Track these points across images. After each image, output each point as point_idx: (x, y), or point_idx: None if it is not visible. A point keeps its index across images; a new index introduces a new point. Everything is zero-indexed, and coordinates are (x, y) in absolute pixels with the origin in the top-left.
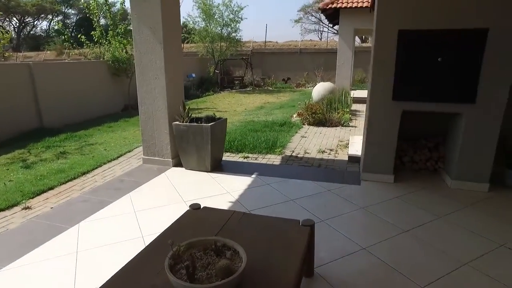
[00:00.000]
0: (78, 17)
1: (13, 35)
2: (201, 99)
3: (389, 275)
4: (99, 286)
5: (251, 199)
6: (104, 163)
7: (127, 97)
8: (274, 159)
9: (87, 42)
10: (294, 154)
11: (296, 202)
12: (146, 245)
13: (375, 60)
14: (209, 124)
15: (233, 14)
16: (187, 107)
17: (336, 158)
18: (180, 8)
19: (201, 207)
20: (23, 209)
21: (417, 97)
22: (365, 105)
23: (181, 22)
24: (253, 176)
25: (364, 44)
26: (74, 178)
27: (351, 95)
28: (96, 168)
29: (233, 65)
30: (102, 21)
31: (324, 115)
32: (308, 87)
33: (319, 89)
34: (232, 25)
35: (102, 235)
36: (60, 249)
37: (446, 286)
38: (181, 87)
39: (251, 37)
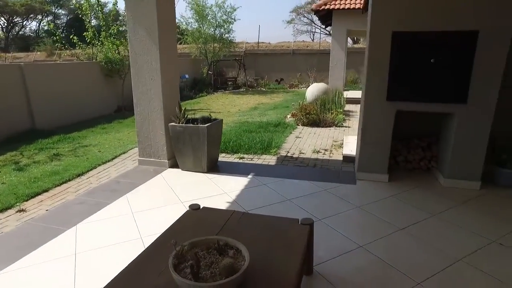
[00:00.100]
0: (68, 18)
1: (1, 36)
2: (194, 100)
3: (387, 272)
4: (102, 287)
5: (249, 199)
6: (99, 165)
7: (120, 98)
8: (269, 159)
9: (79, 43)
10: (289, 154)
11: (293, 201)
12: (146, 246)
13: (370, 61)
14: (206, 125)
15: (226, 15)
16: (183, 108)
17: (331, 158)
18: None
19: (201, 207)
20: (17, 211)
21: (410, 97)
22: (358, 105)
23: None
24: (250, 176)
25: (356, 45)
26: (69, 180)
27: (344, 96)
28: (91, 170)
29: (226, 66)
30: (94, 22)
31: (318, 116)
32: (301, 88)
33: (313, 90)
34: (225, 26)
35: (100, 236)
36: (58, 251)
37: (441, 282)
38: (177, 88)
39: (244, 38)
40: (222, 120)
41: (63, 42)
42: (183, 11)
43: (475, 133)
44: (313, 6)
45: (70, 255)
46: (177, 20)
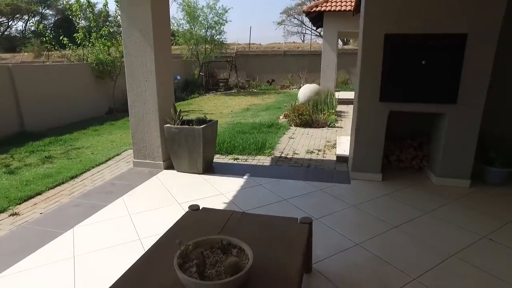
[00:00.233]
0: (56, 18)
1: None
2: (186, 101)
3: (383, 269)
4: None
5: (245, 200)
6: (93, 167)
7: (111, 100)
8: (264, 160)
9: (69, 44)
10: (283, 155)
11: (289, 201)
12: (145, 248)
13: (363, 63)
14: (201, 126)
15: (217, 17)
16: (178, 110)
17: (324, 158)
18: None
19: (200, 208)
20: (10, 215)
21: (403, 98)
22: (349, 106)
23: None
24: (245, 177)
25: (346, 46)
26: (62, 183)
27: (336, 97)
28: (85, 172)
29: (218, 68)
30: (83, 23)
31: (310, 116)
32: (292, 89)
33: (305, 91)
34: (217, 28)
35: (98, 239)
36: (56, 254)
37: (436, 277)
38: (172, 90)
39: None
40: (217, 121)
41: (53, 43)
42: (174, 13)
43: (465, 132)
44: (305, 8)
45: (68, 257)
46: None
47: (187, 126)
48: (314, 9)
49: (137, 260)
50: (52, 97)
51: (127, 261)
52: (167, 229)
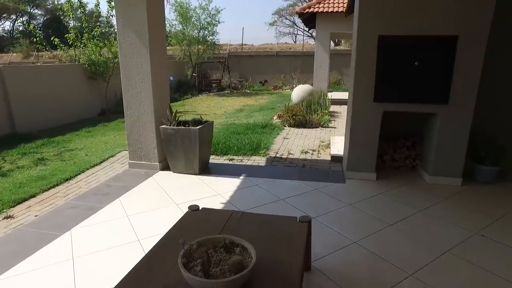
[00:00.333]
0: (45, 18)
1: None
2: (179, 102)
3: (380, 265)
4: None
5: (242, 200)
6: (87, 169)
7: (104, 101)
8: (259, 160)
9: (61, 45)
10: (278, 155)
11: (286, 201)
12: (145, 248)
13: (357, 64)
14: (197, 127)
15: (210, 17)
16: (174, 111)
17: (319, 158)
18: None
19: (200, 208)
20: (4, 218)
21: (396, 99)
22: (342, 106)
23: None
24: (241, 177)
25: (337, 47)
26: (57, 185)
27: (329, 97)
28: (79, 174)
29: (210, 68)
30: (72, 23)
31: (304, 117)
32: (285, 90)
33: (298, 91)
34: (209, 28)
35: (97, 240)
36: (55, 256)
37: (431, 272)
38: (167, 91)
39: (227, 40)
40: (212, 122)
41: (44, 43)
42: (167, 13)
43: (457, 132)
44: (297, 9)
45: (67, 259)
46: None
47: (183, 127)
48: (307, 10)
49: (140, 260)
50: (44, 98)
51: (127, 262)
52: (166, 230)
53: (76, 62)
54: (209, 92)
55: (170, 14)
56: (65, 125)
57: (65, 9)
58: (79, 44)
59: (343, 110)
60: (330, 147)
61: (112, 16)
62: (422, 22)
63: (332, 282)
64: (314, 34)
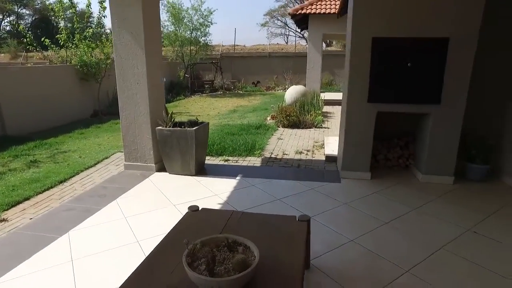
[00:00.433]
0: (33, 18)
1: None
2: (172, 103)
3: (377, 262)
4: None
5: (240, 200)
6: (81, 171)
7: (96, 102)
8: (254, 161)
9: (52, 45)
10: (273, 155)
11: (283, 201)
12: (144, 250)
13: (352, 65)
14: (194, 128)
15: (202, 18)
16: (170, 112)
17: (313, 158)
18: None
19: (200, 208)
20: None
21: (390, 99)
22: (335, 107)
23: None
24: (238, 178)
25: (329, 48)
26: (51, 187)
27: (322, 98)
28: (74, 176)
29: (203, 69)
30: (62, 24)
31: (298, 118)
32: (277, 90)
33: (292, 92)
34: (202, 29)
35: (96, 242)
36: (53, 259)
37: (427, 268)
38: (163, 92)
39: (219, 41)
40: (208, 123)
41: (35, 44)
42: None
43: (448, 131)
44: (290, 10)
45: (66, 262)
46: None
47: (179, 128)
48: (299, 11)
49: (143, 261)
50: (35, 100)
51: (127, 263)
52: (164, 231)
53: (68, 63)
54: (202, 93)
55: (162, 14)
56: (57, 126)
57: (56, 10)
58: (70, 45)
59: (335, 110)
60: (324, 147)
61: (104, 16)
62: (414, 24)
63: (331, 280)
64: (305, 35)
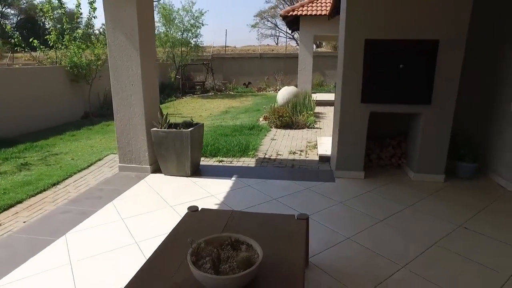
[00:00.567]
0: (19, 18)
1: None
2: (164, 104)
3: (374, 259)
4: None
5: (236, 200)
6: (74, 173)
7: (87, 104)
8: (248, 161)
9: (41, 46)
10: (267, 156)
11: (279, 200)
12: (146, 250)
13: (345, 67)
14: (189, 130)
15: (193, 19)
16: (165, 113)
17: (307, 158)
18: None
19: (199, 209)
20: None
21: (383, 100)
22: (326, 107)
23: None
24: (233, 178)
25: (319, 49)
26: (44, 190)
27: (314, 98)
28: (67, 178)
29: (194, 70)
30: (50, 24)
31: (290, 118)
32: (269, 91)
33: (284, 93)
34: (193, 30)
35: (94, 244)
36: (51, 262)
37: (422, 263)
38: (157, 93)
39: (210, 42)
40: (203, 124)
41: (23, 45)
42: None
43: (439, 131)
44: (282, 12)
45: (65, 264)
46: None
47: (174, 130)
48: (290, 13)
49: (146, 261)
50: (24, 101)
51: (127, 264)
52: (163, 232)
53: (58, 65)
54: (193, 94)
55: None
56: (47, 128)
57: (45, 10)
58: (60, 46)
59: (327, 111)
60: (317, 148)
61: (94, 17)
62: (406, 27)
63: (330, 277)
64: (295, 36)
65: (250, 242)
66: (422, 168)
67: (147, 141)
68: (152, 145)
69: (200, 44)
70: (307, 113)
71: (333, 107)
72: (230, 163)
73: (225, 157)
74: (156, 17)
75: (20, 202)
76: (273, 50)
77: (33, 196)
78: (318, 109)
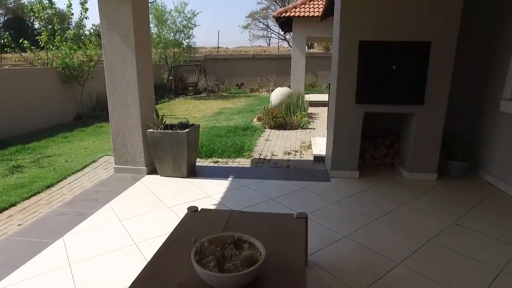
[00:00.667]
0: (6, 18)
1: None
2: (157, 106)
3: (371, 256)
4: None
5: (234, 201)
6: (69, 175)
7: (79, 105)
8: (243, 162)
9: (32, 47)
10: (262, 156)
11: (276, 200)
12: (143, 252)
13: (340, 68)
14: (185, 131)
15: (186, 20)
16: (161, 114)
17: (302, 159)
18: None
19: (199, 209)
20: None
21: (377, 100)
22: (319, 108)
23: None
24: (229, 179)
25: (311, 50)
26: (38, 193)
27: (307, 99)
28: (61, 180)
29: (187, 71)
30: (38, 24)
31: (284, 119)
32: (261, 92)
33: (277, 94)
34: (185, 31)
35: (93, 246)
36: (50, 264)
37: (418, 259)
38: (153, 94)
39: (202, 43)
40: (199, 125)
41: (13, 45)
42: None
43: (431, 131)
44: (275, 13)
45: (64, 266)
46: None
47: (171, 131)
48: (283, 14)
49: (149, 262)
50: (15, 103)
51: (127, 265)
52: (162, 232)
53: (49, 66)
54: (186, 96)
55: None
56: (39, 130)
57: (36, 10)
58: (51, 47)
59: (320, 111)
60: (311, 148)
61: (86, 18)
62: (398, 28)
63: (329, 274)
64: (287, 37)
65: (252, 241)
66: (415, 167)
67: (143, 142)
68: (148, 146)
69: (192, 45)
70: (300, 113)
71: (325, 107)
72: (226, 164)
73: (220, 158)
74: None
75: (13, 205)
76: (265, 51)
77: (27, 199)
78: (311, 109)
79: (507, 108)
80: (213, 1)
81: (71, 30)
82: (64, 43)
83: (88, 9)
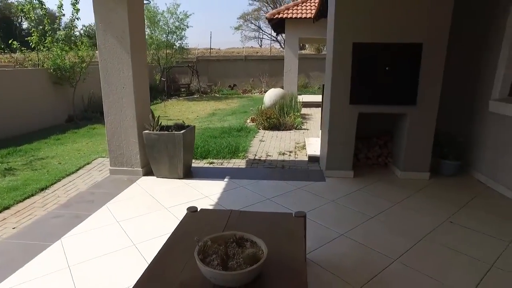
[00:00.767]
0: None
1: None
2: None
3: (368, 253)
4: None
5: (231, 201)
6: (63, 177)
7: (71, 107)
8: (239, 163)
9: (22, 48)
10: (257, 157)
11: (273, 200)
12: (142, 253)
13: (334, 69)
14: (181, 132)
15: (178, 22)
16: (156, 116)
17: (296, 159)
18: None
19: (199, 209)
20: None
21: (370, 101)
22: (312, 108)
23: None
24: (225, 179)
25: (303, 51)
26: (32, 195)
27: (300, 100)
28: (55, 183)
29: (179, 73)
30: (27, 25)
31: (278, 120)
32: (254, 93)
33: (271, 95)
34: (178, 33)
35: (91, 247)
36: (49, 266)
37: (413, 256)
38: (148, 95)
39: (195, 44)
40: (194, 126)
41: (2, 46)
42: None
43: (424, 130)
44: (267, 15)
45: (63, 268)
46: None
47: (167, 132)
48: (276, 16)
49: (151, 262)
50: (5, 105)
51: (127, 266)
52: (161, 233)
53: (40, 67)
54: (179, 97)
55: None
56: (30, 132)
57: (26, 10)
58: (42, 48)
59: (313, 112)
60: (306, 148)
61: (77, 19)
62: (391, 30)
63: (327, 272)
64: (279, 38)
65: (253, 239)
66: (408, 166)
67: (139, 143)
68: (144, 147)
69: (185, 46)
70: (294, 114)
71: (318, 108)
72: (221, 164)
73: (216, 158)
74: None
75: (7, 208)
76: (257, 53)
77: (20, 201)
78: (304, 110)
79: (496, 108)
80: (205, 2)
81: (62, 30)
82: (56, 44)
83: (79, 10)
